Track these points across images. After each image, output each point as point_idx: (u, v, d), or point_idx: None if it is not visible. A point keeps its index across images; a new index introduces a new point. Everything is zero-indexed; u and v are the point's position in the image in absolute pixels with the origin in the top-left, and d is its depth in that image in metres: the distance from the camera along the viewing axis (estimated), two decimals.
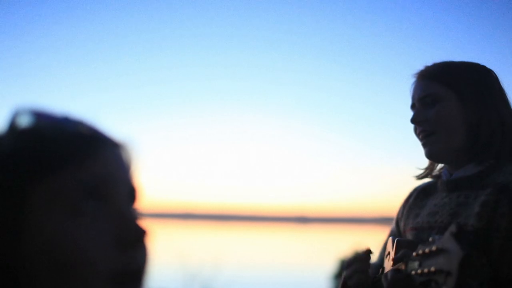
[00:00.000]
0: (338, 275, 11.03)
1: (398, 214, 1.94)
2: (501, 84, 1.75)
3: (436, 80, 1.71)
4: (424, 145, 1.72)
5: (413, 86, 1.78)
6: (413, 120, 1.73)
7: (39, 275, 0.59)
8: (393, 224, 1.97)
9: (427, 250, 1.24)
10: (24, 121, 0.64)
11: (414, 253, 1.31)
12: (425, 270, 1.23)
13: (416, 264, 1.30)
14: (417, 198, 1.86)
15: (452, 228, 1.17)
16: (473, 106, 1.67)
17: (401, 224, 1.88)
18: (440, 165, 1.85)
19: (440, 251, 1.19)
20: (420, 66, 1.79)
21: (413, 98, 1.76)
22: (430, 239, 1.25)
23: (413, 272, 1.30)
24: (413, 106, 1.77)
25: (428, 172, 1.86)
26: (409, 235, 1.77)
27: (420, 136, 1.73)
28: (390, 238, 1.75)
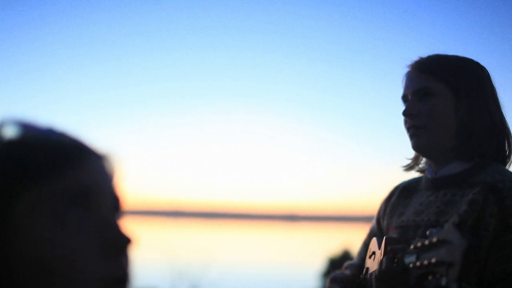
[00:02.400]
0: (327, 274, 11.06)
1: (379, 213, 1.93)
2: (493, 83, 1.75)
3: (433, 74, 1.69)
4: (411, 136, 1.71)
5: (406, 77, 1.76)
6: (405, 113, 1.71)
7: (25, 282, 0.60)
8: (373, 223, 1.96)
9: (426, 242, 1.21)
10: (10, 132, 0.65)
11: (411, 246, 1.28)
12: (424, 263, 1.20)
13: (413, 257, 1.27)
14: (400, 196, 1.85)
15: (454, 219, 1.15)
16: (467, 106, 1.66)
17: (384, 223, 1.87)
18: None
19: (441, 243, 1.16)
20: (414, 57, 1.76)
21: (407, 89, 1.74)
22: (428, 232, 1.23)
23: (410, 265, 1.27)
24: (404, 97, 1.75)
25: (414, 163, 1.85)
26: (393, 234, 1.76)
27: (410, 129, 1.71)
28: (375, 238, 1.74)
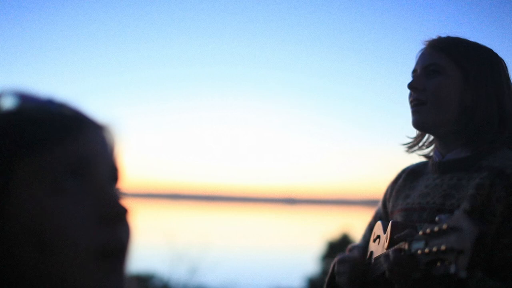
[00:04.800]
0: (326, 257, 11.09)
1: (385, 196, 1.91)
2: (509, 75, 1.71)
3: (446, 53, 1.67)
4: (413, 113, 1.69)
5: (420, 53, 1.74)
6: (410, 86, 1.69)
7: (22, 253, 0.60)
8: (379, 206, 1.94)
9: (435, 228, 1.18)
10: (8, 103, 0.65)
11: (420, 232, 1.25)
12: (433, 249, 1.18)
13: (421, 243, 1.25)
14: (406, 179, 1.84)
15: (465, 205, 1.13)
16: (474, 91, 1.63)
17: (389, 205, 1.85)
18: (429, 137, 1.82)
19: (451, 230, 1.13)
20: (431, 35, 1.74)
21: (417, 64, 1.72)
22: (437, 218, 1.20)
23: (419, 252, 1.25)
24: (414, 72, 1.73)
25: (417, 141, 1.83)
26: (398, 217, 1.74)
27: (412, 104, 1.69)
28: (379, 221, 1.73)
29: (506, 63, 1.73)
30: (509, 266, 1.50)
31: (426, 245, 1.22)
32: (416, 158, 1.87)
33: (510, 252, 1.50)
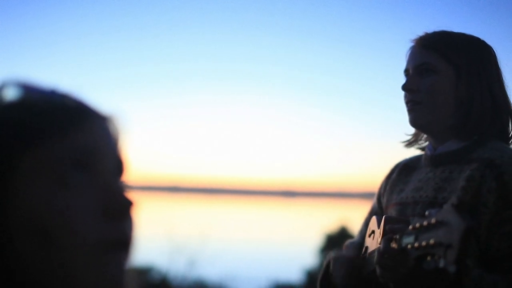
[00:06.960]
0: (324, 249, 11.10)
1: (380, 190, 1.92)
2: (498, 63, 1.72)
3: (436, 51, 1.67)
4: (409, 111, 1.70)
5: (410, 52, 1.74)
6: (404, 87, 1.70)
7: (26, 245, 0.59)
8: (374, 201, 1.95)
9: (424, 223, 1.19)
10: (11, 94, 0.64)
11: (410, 227, 1.25)
12: (423, 244, 1.17)
13: (411, 238, 1.25)
14: (400, 173, 1.85)
15: (453, 200, 1.13)
16: (468, 86, 1.64)
17: (384, 200, 1.86)
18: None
19: (439, 224, 1.14)
20: (419, 32, 1.75)
21: (408, 63, 1.73)
22: (427, 213, 1.20)
23: (409, 246, 1.25)
24: (406, 72, 1.73)
25: (415, 138, 1.84)
26: (392, 211, 1.75)
27: (408, 104, 1.70)
28: (374, 217, 1.73)
29: (494, 50, 1.73)
30: (508, 256, 1.50)
31: (416, 239, 1.22)
32: (412, 151, 1.88)
33: (507, 242, 1.50)
